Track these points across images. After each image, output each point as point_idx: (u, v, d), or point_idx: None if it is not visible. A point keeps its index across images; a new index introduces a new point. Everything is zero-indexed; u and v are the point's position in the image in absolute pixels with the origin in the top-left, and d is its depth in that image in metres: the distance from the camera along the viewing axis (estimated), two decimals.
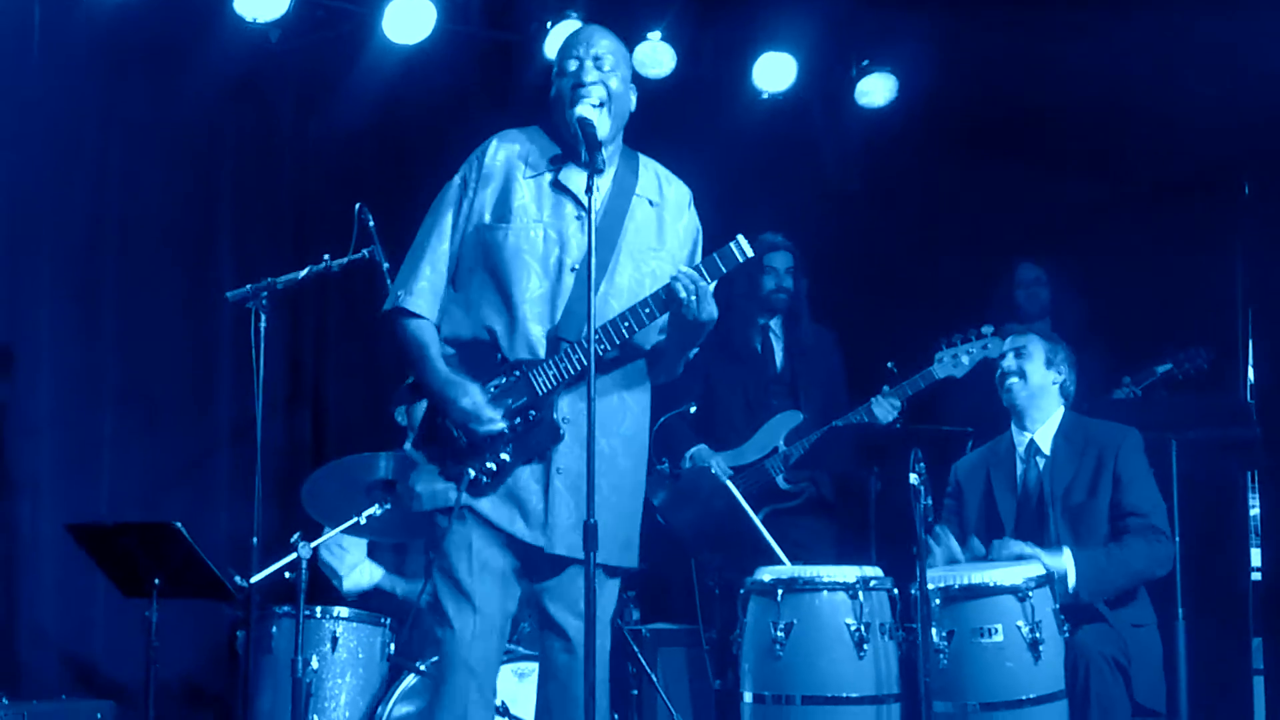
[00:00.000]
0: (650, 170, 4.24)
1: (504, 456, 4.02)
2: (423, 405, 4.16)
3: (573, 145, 4.11)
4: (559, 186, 4.12)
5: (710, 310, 4.01)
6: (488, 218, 4.09)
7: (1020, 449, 5.42)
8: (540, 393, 4.03)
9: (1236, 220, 7.13)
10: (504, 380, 4.04)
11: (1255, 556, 6.95)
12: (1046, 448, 5.37)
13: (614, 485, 4.07)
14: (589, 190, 3.88)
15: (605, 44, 4.15)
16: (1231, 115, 6.66)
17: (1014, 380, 5.39)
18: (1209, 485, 6.34)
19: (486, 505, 4.03)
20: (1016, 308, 6.84)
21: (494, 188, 4.11)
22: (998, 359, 5.50)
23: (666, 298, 3.99)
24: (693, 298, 3.96)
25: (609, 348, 4.02)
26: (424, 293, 4.10)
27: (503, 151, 4.15)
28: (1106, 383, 6.51)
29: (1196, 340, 6.69)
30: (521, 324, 4.04)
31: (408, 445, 5.57)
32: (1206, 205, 7.00)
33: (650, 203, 4.20)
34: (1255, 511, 6.99)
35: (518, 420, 4.03)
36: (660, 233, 4.19)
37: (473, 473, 4.01)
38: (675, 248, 4.21)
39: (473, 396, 4.01)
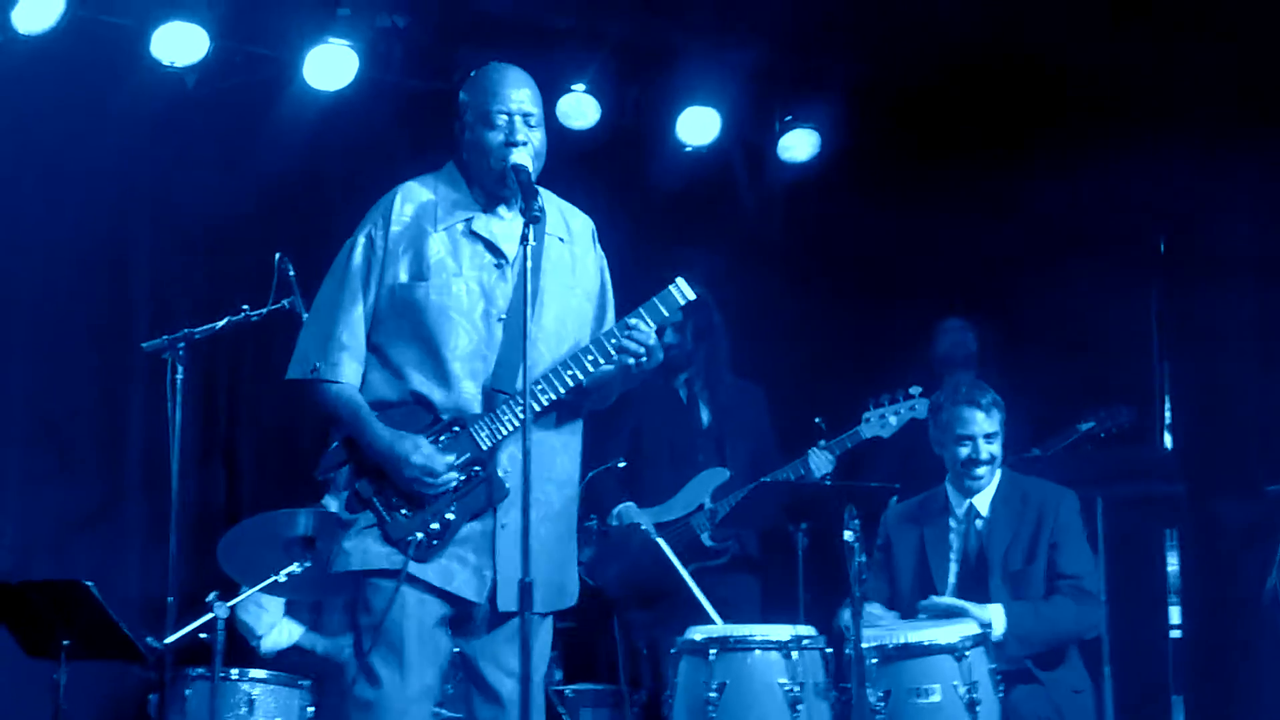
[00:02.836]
0: (554, 206, 4.16)
1: (449, 516, 3.91)
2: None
3: (491, 190, 4.03)
4: (473, 235, 4.02)
5: (658, 355, 3.99)
6: (404, 276, 3.97)
7: (959, 512, 5.39)
8: (484, 448, 3.93)
9: (1151, 275, 7.21)
10: (445, 438, 3.93)
11: (1174, 613, 6.99)
12: (985, 510, 5.35)
13: (551, 532, 3.99)
14: (524, 240, 3.81)
15: (528, 95, 4.05)
16: (1147, 169, 6.76)
17: (984, 469, 5.33)
18: (1131, 542, 6.37)
19: (429, 571, 3.90)
20: (939, 356, 6.83)
21: (405, 244, 3.99)
22: (956, 439, 5.35)
23: (614, 349, 3.95)
24: (643, 357, 3.94)
25: (553, 396, 3.95)
26: (345, 361, 3.96)
27: (409, 205, 4.03)
28: (1023, 440, 6.52)
29: (1115, 397, 6.73)
30: (454, 383, 3.94)
31: (330, 502, 5.47)
32: (1122, 260, 7.06)
33: (560, 239, 4.13)
34: (1173, 568, 7.03)
35: (462, 477, 3.92)
36: (574, 268, 4.13)
37: (420, 535, 3.89)
38: (587, 282, 4.16)
39: (424, 450, 3.90)
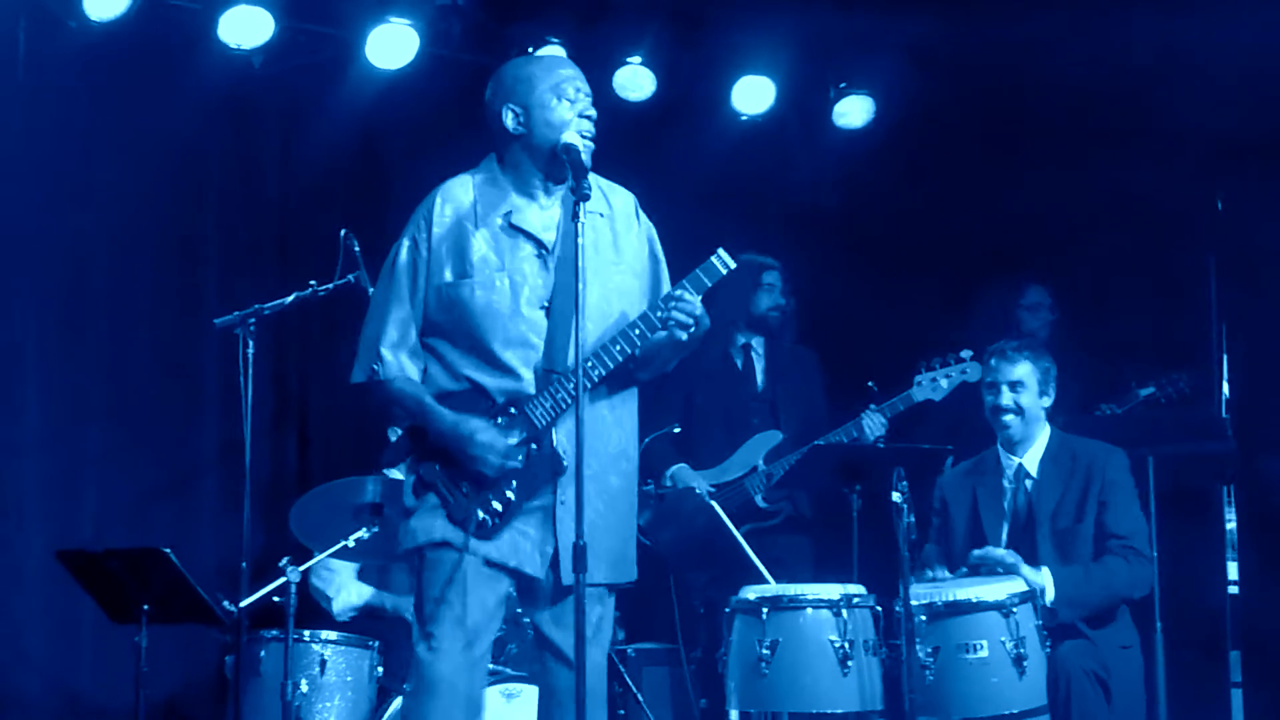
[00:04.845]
0: (594, 183, 4.21)
1: (509, 495, 4.04)
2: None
3: (544, 168, 4.13)
4: (514, 229, 4.13)
5: (705, 323, 4.09)
6: (449, 276, 4.10)
7: (1009, 472, 5.45)
8: (540, 425, 4.06)
9: (1209, 235, 7.20)
10: (503, 420, 4.06)
11: (1232, 570, 7.02)
12: (1034, 470, 5.40)
13: (608, 505, 4.10)
14: (574, 217, 3.91)
15: (584, 80, 4.20)
16: (1205, 129, 6.75)
17: (1010, 417, 5.39)
18: (1186, 499, 6.41)
19: (491, 547, 4.04)
20: (1017, 326, 6.87)
21: (448, 245, 4.11)
22: (985, 388, 5.45)
23: (660, 321, 4.05)
24: (691, 320, 4.03)
25: (603, 371, 4.06)
26: (401, 358, 4.12)
27: (449, 206, 4.14)
28: (1086, 402, 6.57)
29: (1174, 359, 6.76)
30: (507, 369, 4.08)
31: (392, 471, 5.63)
32: (1180, 220, 7.07)
33: (600, 215, 4.21)
34: (1231, 525, 7.06)
35: (521, 456, 4.05)
36: (615, 244, 4.22)
37: (482, 514, 4.03)
38: (631, 258, 4.24)
39: (486, 430, 4.03)
